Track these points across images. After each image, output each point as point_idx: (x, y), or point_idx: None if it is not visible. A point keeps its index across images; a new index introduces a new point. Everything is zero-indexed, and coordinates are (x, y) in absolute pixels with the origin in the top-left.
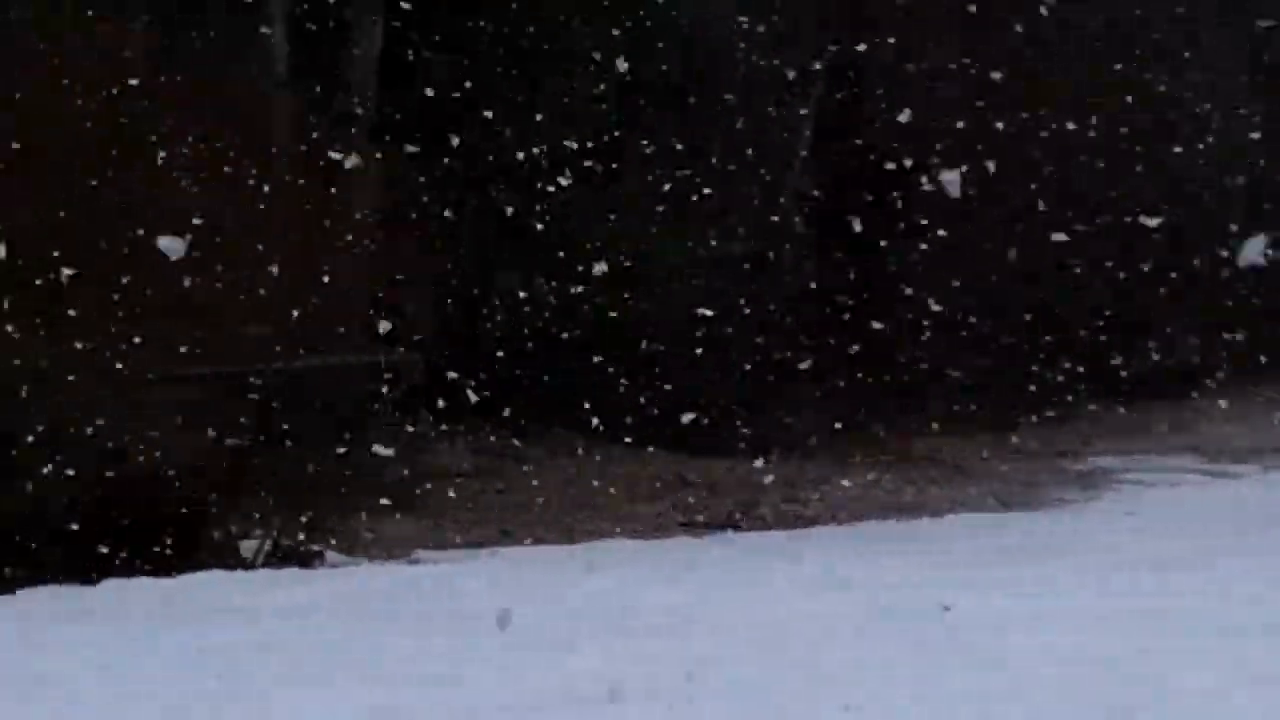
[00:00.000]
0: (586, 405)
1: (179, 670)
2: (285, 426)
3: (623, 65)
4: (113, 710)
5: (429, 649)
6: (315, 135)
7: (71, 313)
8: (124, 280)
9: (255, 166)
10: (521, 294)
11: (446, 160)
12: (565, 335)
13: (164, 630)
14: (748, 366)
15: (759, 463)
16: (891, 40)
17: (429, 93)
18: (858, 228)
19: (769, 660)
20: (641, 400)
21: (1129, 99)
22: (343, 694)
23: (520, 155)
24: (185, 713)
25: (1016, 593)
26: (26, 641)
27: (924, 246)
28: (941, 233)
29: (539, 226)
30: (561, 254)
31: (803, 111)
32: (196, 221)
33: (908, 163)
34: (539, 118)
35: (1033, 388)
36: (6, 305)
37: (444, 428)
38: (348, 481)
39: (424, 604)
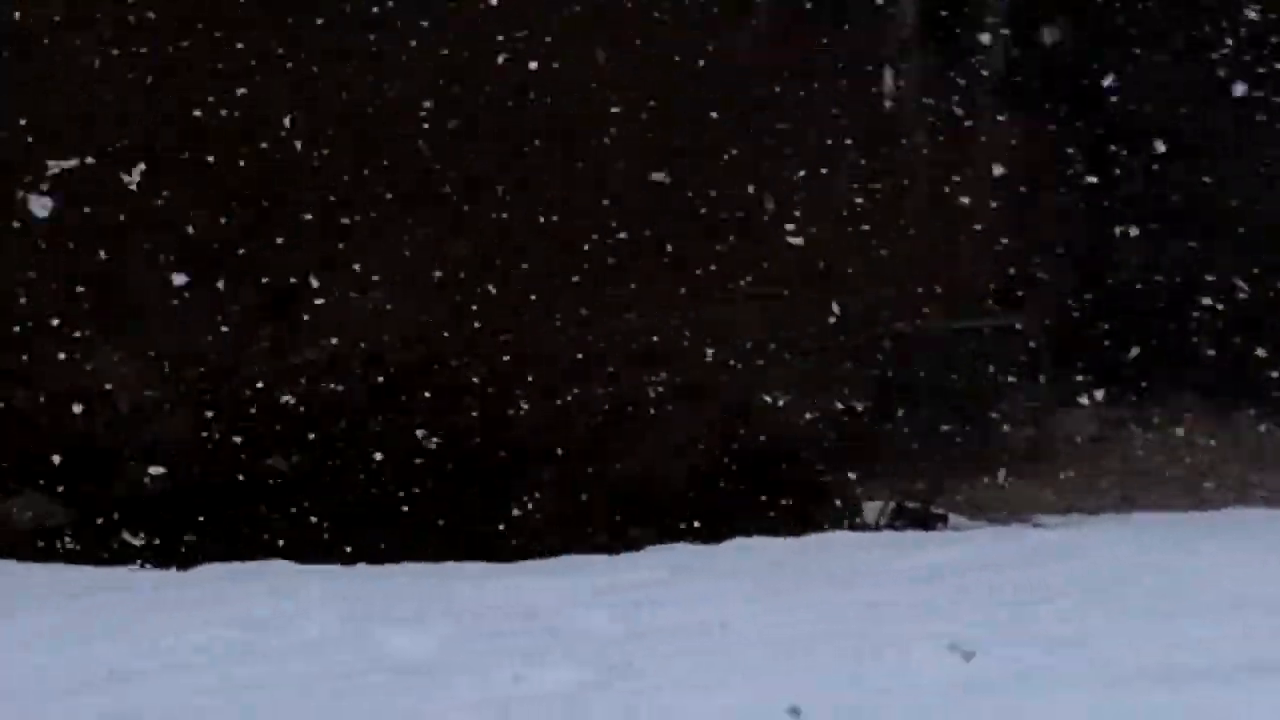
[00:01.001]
0: (1214, 370)
1: (802, 626)
2: (909, 390)
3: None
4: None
5: (1049, 614)
6: (942, 98)
7: (703, 281)
8: (752, 247)
9: (881, 132)
10: (1148, 257)
11: (1076, 120)
12: (1193, 300)
13: (791, 589)
14: None
15: None
16: None
17: (1057, 50)
18: None
19: None
20: (1272, 367)
21: None
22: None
23: (1152, 116)
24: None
25: None
26: (654, 596)
27: None
28: None
29: (1167, 191)
30: (1190, 218)
31: None
32: (822, 189)
33: None
34: (1168, 76)
35: None
36: (639, 274)
37: (1068, 391)
38: (971, 444)
39: (1043, 569)
